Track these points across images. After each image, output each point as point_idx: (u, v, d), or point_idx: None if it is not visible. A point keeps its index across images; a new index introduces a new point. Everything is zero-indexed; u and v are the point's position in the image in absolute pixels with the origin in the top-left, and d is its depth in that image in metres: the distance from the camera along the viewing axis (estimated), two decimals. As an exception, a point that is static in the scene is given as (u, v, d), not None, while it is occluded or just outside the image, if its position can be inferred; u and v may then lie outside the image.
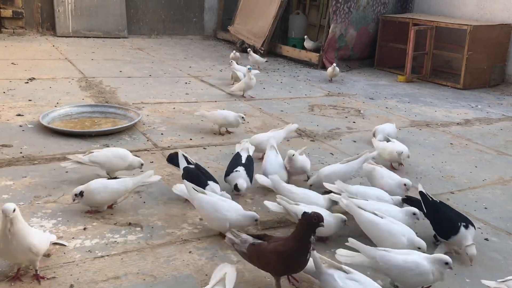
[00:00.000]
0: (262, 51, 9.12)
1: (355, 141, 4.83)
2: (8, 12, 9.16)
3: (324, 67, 8.39)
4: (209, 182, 3.16)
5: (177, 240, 2.80)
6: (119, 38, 9.90)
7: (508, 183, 4.05)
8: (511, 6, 7.70)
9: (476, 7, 8.20)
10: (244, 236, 2.44)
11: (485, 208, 3.54)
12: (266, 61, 8.07)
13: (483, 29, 7.48)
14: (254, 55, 7.93)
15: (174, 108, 5.43)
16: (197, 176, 3.21)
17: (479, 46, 7.44)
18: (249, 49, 8.06)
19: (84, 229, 2.84)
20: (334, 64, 7.22)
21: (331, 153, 4.44)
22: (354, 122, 5.51)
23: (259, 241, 2.39)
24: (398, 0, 8.96)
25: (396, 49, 8.46)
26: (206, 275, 2.49)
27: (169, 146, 4.24)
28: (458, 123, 5.75)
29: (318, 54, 8.49)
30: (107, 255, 2.60)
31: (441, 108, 6.41)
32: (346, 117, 5.71)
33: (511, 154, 4.74)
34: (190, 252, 2.70)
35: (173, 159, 3.48)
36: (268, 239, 2.41)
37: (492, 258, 2.87)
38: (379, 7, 8.62)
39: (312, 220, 2.25)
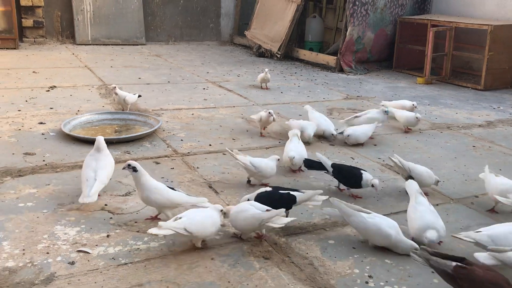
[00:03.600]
0: (279, 55, 9.12)
1: (375, 145, 4.78)
2: (29, 22, 9.34)
3: (342, 70, 8.36)
4: (362, 171, 3.48)
5: (199, 247, 2.80)
6: (137, 45, 10.01)
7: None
8: (533, 5, 7.58)
9: (496, 7, 8.08)
10: (435, 258, 2.38)
11: None
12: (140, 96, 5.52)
13: (504, 29, 7.36)
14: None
15: (192, 114, 5.46)
16: (350, 170, 3.51)
17: (500, 46, 7.32)
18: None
19: (107, 236, 2.86)
20: (266, 70, 6.77)
21: (352, 158, 4.40)
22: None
23: (465, 265, 2.31)
24: (416, 2, 8.88)
25: (415, 50, 8.38)
26: (229, 282, 2.49)
27: (188, 152, 4.26)
28: (480, 125, 5.66)
29: (335, 57, 8.45)
30: (131, 262, 2.62)
31: (462, 110, 6.32)
32: (367, 120, 5.66)
33: (536, 156, 4.64)
34: (212, 258, 2.69)
35: (312, 164, 3.62)
36: (469, 263, 2.33)
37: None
38: (396, 9, 8.55)
39: None
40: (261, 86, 6.88)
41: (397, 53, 8.67)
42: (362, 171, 3.51)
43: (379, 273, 2.67)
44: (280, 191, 3.13)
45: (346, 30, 8.20)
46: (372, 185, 3.43)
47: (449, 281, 2.35)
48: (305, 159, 3.81)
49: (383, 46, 8.68)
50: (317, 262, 2.74)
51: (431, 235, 2.83)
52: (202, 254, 2.73)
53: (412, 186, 3.17)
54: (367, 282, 2.58)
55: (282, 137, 4.87)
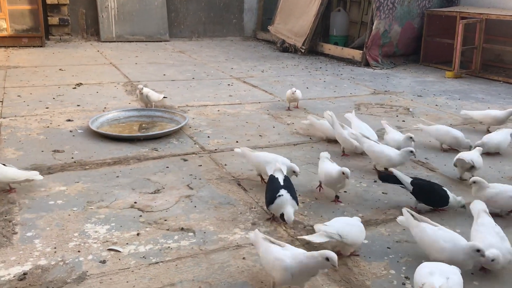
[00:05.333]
0: (303, 50, 9.02)
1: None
2: (55, 20, 9.43)
3: (368, 65, 8.22)
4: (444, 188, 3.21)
5: (230, 246, 2.76)
6: (161, 41, 10.02)
7: None
8: None
9: (529, -3, 7.83)
10: None
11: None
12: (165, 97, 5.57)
13: (537, 20, 7.12)
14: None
15: (218, 110, 5.41)
16: (433, 188, 3.22)
17: (533, 38, 7.09)
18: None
19: (138, 234, 2.84)
20: (295, 90, 5.42)
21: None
22: (404, 121, 5.33)
23: None
24: (444, -6, 8.67)
25: (443, 44, 8.18)
26: (262, 282, 2.43)
27: (216, 149, 4.22)
28: (514, 120, 5.47)
29: (361, 51, 8.31)
30: (162, 261, 2.58)
31: (494, 104, 6.13)
32: (397, 116, 5.53)
33: None
34: (244, 258, 2.64)
35: (387, 178, 3.39)
36: None
37: None
38: (424, 2, 8.35)
39: None
40: (289, 107, 5.62)
41: (424, 47, 8.48)
42: (444, 188, 3.23)
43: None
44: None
45: (372, 24, 8.05)
46: (463, 206, 3.16)
47: None
48: (380, 172, 3.68)
49: (410, 39, 8.49)
50: (351, 263, 2.66)
51: (491, 253, 2.50)
52: (233, 253, 2.69)
53: (476, 206, 2.93)
54: (404, 284, 2.50)
55: (311, 132, 4.80)
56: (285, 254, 2.29)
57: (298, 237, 2.82)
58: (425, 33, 8.38)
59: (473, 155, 3.73)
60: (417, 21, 8.38)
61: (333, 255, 2.21)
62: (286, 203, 2.92)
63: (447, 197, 3.16)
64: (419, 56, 8.61)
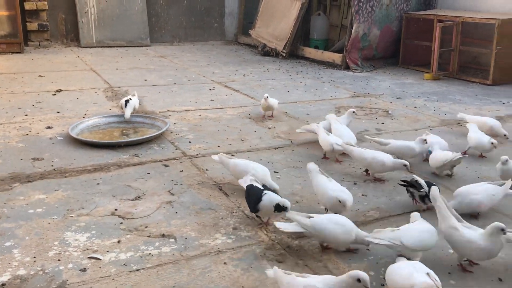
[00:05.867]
0: (284, 54, 9.08)
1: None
2: (33, 25, 9.33)
3: (348, 68, 8.30)
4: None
5: (211, 251, 2.77)
6: (142, 46, 9.99)
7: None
8: (541, -2, 7.48)
9: (504, 0, 7.98)
10: None
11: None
12: None
13: (512, 23, 7.28)
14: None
15: (200, 115, 5.42)
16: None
17: (508, 41, 7.24)
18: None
19: (118, 242, 2.83)
20: (266, 96, 5.18)
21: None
22: (383, 123, 5.41)
23: None
24: (422, -3, 8.81)
25: (421, 46, 8.31)
26: (243, 287, 2.45)
27: (197, 154, 4.23)
28: (490, 121, 5.58)
29: (341, 54, 8.39)
30: (143, 269, 2.58)
31: (471, 105, 6.24)
32: (377, 118, 5.61)
33: (549, 152, 4.56)
34: (225, 263, 2.66)
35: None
36: None
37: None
38: (402, 5, 8.48)
39: None
40: (264, 115, 5.40)
41: (403, 50, 8.60)
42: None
43: (394, 275, 2.62)
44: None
45: (352, 27, 8.15)
46: None
47: None
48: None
49: (389, 42, 8.61)
50: (332, 265, 2.70)
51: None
52: (215, 258, 2.70)
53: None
54: (383, 285, 2.53)
55: (291, 136, 4.84)
56: (317, 281, 2.21)
57: (277, 224, 2.83)
58: (404, 36, 8.51)
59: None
60: (395, 24, 8.51)
61: (363, 276, 2.13)
62: (274, 197, 2.98)
63: None
64: (398, 58, 8.73)
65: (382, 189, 3.67)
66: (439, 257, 2.78)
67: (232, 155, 4.26)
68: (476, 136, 4.37)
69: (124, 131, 4.80)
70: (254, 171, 3.38)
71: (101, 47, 9.72)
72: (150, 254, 2.72)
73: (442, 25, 7.60)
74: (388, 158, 3.74)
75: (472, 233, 2.61)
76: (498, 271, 2.68)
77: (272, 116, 5.45)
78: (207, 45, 10.62)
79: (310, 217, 2.81)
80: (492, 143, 4.22)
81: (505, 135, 4.78)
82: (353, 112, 4.75)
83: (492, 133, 4.76)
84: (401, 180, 3.47)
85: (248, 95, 6.41)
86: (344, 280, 2.17)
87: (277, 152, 4.42)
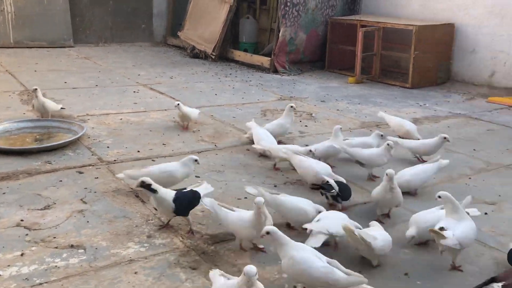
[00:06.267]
0: (213, 56, 9.03)
1: (307, 145, 4.79)
2: None
3: (276, 71, 8.40)
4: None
5: (122, 261, 2.67)
6: (65, 47, 9.56)
7: (456, 180, 4.13)
8: (453, 6, 7.92)
9: (420, 7, 8.40)
10: None
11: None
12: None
13: (428, 29, 7.66)
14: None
15: (121, 119, 5.26)
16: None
17: (425, 46, 7.61)
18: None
19: (22, 254, 2.67)
20: (178, 103, 4.87)
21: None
22: (306, 126, 5.51)
23: (503, 282, 2.36)
24: (346, 2, 9.07)
25: (346, 51, 8.55)
26: (153, 296, 2.38)
27: (115, 160, 4.08)
28: (407, 123, 5.83)
29: (269, 58, 8.47)
30: (46, 282, 2.45)
31: (390, 108, 6.49)
32: (300, 121, 5.70)
33: (458, 152, 4.84)
34: (136, 272, 2.57)
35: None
36: (503, 276, 2.40)
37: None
38: (327, 10, 8.69)
39: None
40: (183, 125, 5.03)
41: (329, 54, 8.82)
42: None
43: (307, 276, 2.65)
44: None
45: (279, 31, 8.25)
46: None
47: None
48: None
49: (315, 46, 8.80)
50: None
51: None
52: (125, 268, 2.61)
53: None
54: (295, 286, 2.56)
55: (216, 140, 4.81)
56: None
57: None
58: (329, 40, 8.73)
59: None
60: (321, 28, 8.71)
61: (249, 270, 2.07)
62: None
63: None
64: (325, 62, 8.94)
65: (301, 192, 3.71)
66: (351, 256, 2.84)
67: (153, 160, 4.17)
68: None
69: (37, 136, 4.55)
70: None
71: (20, 47, 9.20)
72: (56, 266, 2.58)
73: (364, 30, 7.87)
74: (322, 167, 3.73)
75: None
76: (405, 267, 2.79)
77: (187, 127, 5.00)
78: (134, 46, 10.36)
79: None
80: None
81: (418, 139, 4.97)
82: (291, 106, 4.79)
83: (407, 136, 4.97)
84: (312, 184, 3.55)
85: (174, 98, 6.29)
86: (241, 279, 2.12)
87: (200, 156, 4.33)
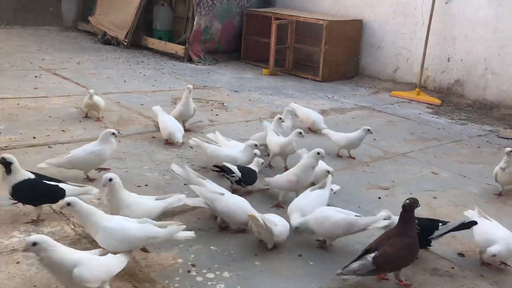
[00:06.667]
0: (126, 43, 8.74)
1: (215, 133, 4.77)
2: None
3: (191, 60, 8.30)
4: None
5: (4, 250, 2.50)
6: (-40, 28, 8.78)
7: (355, 167, 4.31)
8: (361, 3, 8.25)
9: (332, 2, 8.66)
10: (357, 263, 2.45)
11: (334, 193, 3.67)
12: None
13: (338, 24, 7.92)
14: None
15: (18, 104, 4.93)
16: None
17: (335, 40, 7.87)
18: None
19: None
20: (91, 91, 4.60)
21: (190, 147, 4.35)
22: (217, 115, 5.49)
23: (375, 252, 2.44)
24: (262, -6, 9.15)
25: (261, 42, 8.62)
26: (35, 286, 2.24)
27: (6, 146, 3.81)
28: (315, 113, 6.00)
29: (184, 46, 8.35)
30: None
31: (301, 99, 6.64)
32: (212, 110, 5.67)
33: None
34: (18, 262, 2.41)
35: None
36: (375, 246, 2.48)
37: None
38: (242, 1, 8.71)
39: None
40: (87, 114, 4.77)
41: (244, 45, 8.86)
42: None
43: (203, 260, 2.64)
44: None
45: (194, 20, 8.14)
46: None
47: (379, 272, 2.49)
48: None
49: (231, 37, 8.79)
50: (140, 256, 2.62)
51: None
52: (6, 258, 2.44)
53: None
54: (189, 271, 2.53)
55: (120, 127, 4.65)
56: None
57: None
58: (245, 31, 8.76)
59: None
60: (237, 19, 8.72)
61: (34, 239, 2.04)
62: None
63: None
64: (240, 53, 8.96)
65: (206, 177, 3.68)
66: (248, 240, 2.86)
67: (49, 147, 3.95)
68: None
69: None
70: None
71: None
72: None
73: (278, 23, 7.98)
74: (237, 152, 3.75)
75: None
76: (299, 249, 2.86)
77: (99, 119, 4.74)
78: (41, 30, 9.73)
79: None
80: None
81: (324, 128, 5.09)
82: (188, 88, 4.72)
83: (314, 126, 5.12)
84: (213, 166, 3.56)
85: (79, 84, 6.01)
86: None
87: (102, 143, 4.19)
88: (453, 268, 2.83)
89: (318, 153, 3.35)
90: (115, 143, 3.54)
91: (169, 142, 4.30)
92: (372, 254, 2.44)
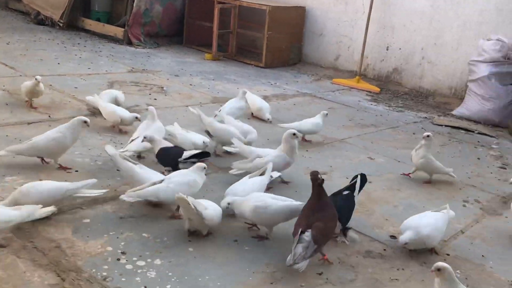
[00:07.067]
0: (61, 24, 8.32)
1: (136, 117, 4.60)
2: None
3: (130, 43, 8.02)
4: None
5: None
6: None
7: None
8: (304, -10, 8.28)
9: (275, -11, 8.62)
10: (300, 247, 2.44)
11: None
12: None
13: (280, 10, 7.90)
14: None
15: None
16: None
17: (278, 27, 7.84)
18: None
19: None
20: (38, 78, 4.26)
21: (126, 131, 4.20)
22: (156, 99, 5.34)
23: (310, 230, 2.47)
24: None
25: (204, 27, 8.47)
26: None
27: None
28: (257, 99, 5.96)
29: (123, 29, 8.05)
30: None
31: (243, 85, 6.58)
32: (150, 94, 5.50)
33: (300, 127, 5.07)
34: None
35: None
36: (305, 225, 2.49)
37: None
38: (185, -17, 8.50)
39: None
40: (29, 103, 4.43)
41: (187, 29, 8.67)
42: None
43: (133, 248, 2.55)
44: None
45: (133, 1, 7.86)
46: None
47: (318, 250, 2.52)
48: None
49: (172, 20, 8.57)
50: (66, 244, 2.49)
51: None
52: None
53: None
54: (118, 259, 2.43)
55: (51, 111, 4.41)
56: None
57: None
58: (187, 15, 8.56)
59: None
60: (179, 2, 8.50)
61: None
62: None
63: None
64: (182, 37, 8.76)
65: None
66: (182, 227, 2.78)
67: (-30, 130, 3.67)
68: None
69: None
70: None
71: None
72: None
73: (221, 6, 7.86)
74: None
75: None
76: (235, 234, 2.82)
77: (33, 106, 4.40)
78: (-34, 7, 9.10)
79: None
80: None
81: (268, 119, 5.07)
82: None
83: (259, 113, 5.09)
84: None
85: (7, 65, 5.66)
86: None
87: (30, 127, 3.98)
88: (385, 250, 2.89)
89: (294, 134, 3.46)
90: (81, 131, 3.44)
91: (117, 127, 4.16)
92: (308, 233, 2.45)
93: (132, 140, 3.61)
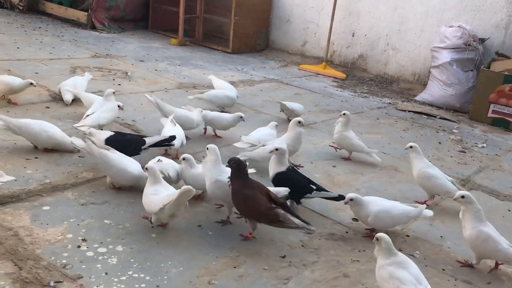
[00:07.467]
0: (21, 7, 8.04)
1: (118, 106, 4.55)
2: None
3: (94, 27, 7.83)
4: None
5: None
6: None
7: (260, 138, 4.32)
8: (271, -25, 8.24)
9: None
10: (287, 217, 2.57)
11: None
12: None
13: (248, -5, 7.85)
14: None
15: None
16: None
17: (245, 12, 7.80)
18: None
19: None
20: (34, 83, 4.16)
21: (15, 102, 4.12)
22: (120, 85, 5.24)
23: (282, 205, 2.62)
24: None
25: (170, 11, 8.34)
26: None
27: None
28: (223, 85, 5.93)
29: (87, 13, 7.84)
30: None
31: (210, 71, 6.52)
32: (114, 79, 5.40)
33: (266, 112, 5.09)
34: None
35: None
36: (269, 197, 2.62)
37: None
38: (150, -33, 8.33)
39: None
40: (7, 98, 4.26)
41: (152, 13, 8.52)
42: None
43: (95, 235, 2.51)
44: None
45: (97, -15, 7.66)
46: None
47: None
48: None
49: (138, 5, 8.41)
50: (24, 232, 2.43)
51: None
52: None
53: None
54: (79, 246, 2.39)
55: (13, 97, 4.27)
56: None
57: None
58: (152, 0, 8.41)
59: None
60: (144, -14, 8.34)
61: None
62: None
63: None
64: (148, 22, 8.61)
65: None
66: (138, 215, 2.76)
67: None
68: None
69: None
70: None
71: None
72: None
73: (186, -9, 7.74)
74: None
75: None
76: (198, 219, 2.82)
77: (12, 101, 4.21)
78: None
79: None
80: None
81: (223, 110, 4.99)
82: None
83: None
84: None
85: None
86: None
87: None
88: (347, 232, 2.94)
89: (299, 122, 3.60)
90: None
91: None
92: (289, 201, 2.81)
93: (87, 116, 3.64)
